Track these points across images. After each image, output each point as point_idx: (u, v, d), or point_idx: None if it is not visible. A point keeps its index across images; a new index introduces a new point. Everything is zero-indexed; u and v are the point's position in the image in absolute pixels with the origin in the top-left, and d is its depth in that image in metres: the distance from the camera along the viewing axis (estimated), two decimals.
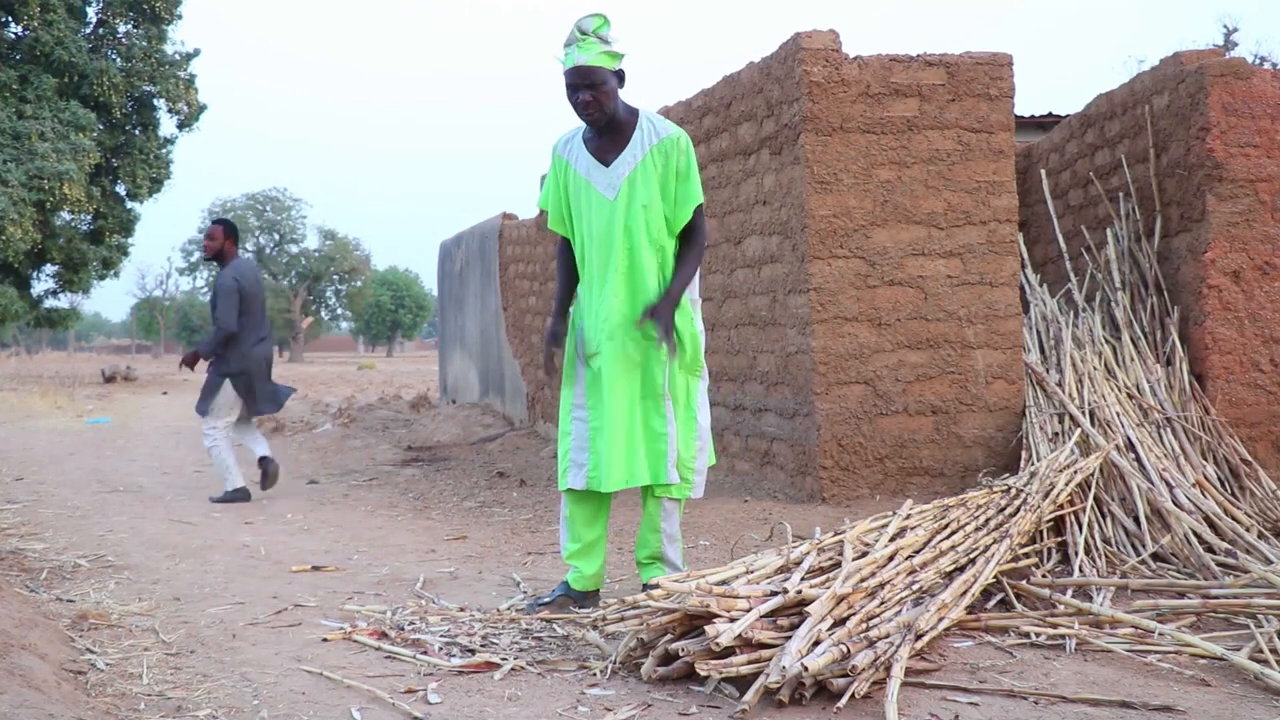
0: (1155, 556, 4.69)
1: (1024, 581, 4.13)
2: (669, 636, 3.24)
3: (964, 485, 5.99)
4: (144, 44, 25.51)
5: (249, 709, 3.03)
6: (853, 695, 2.95)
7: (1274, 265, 6.14)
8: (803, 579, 3.35)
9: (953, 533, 4.09)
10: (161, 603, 4.35)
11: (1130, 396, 5.92)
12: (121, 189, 26.55)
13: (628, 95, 4.18)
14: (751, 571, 3.44)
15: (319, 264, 58.30)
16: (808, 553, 3.58)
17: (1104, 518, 4.91)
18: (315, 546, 5.71)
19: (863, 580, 3.43)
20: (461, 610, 4.10)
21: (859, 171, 6.15)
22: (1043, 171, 7.97)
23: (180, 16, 26.32)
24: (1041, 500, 4.59)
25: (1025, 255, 6.92)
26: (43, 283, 27.09)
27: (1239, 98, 6.11)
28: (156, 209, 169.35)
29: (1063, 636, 3.60)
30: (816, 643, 3.06)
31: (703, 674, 3.08)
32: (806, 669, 2.93)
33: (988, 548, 4.05)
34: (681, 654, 3.15)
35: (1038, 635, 3.63)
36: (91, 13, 25.87)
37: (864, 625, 3.20)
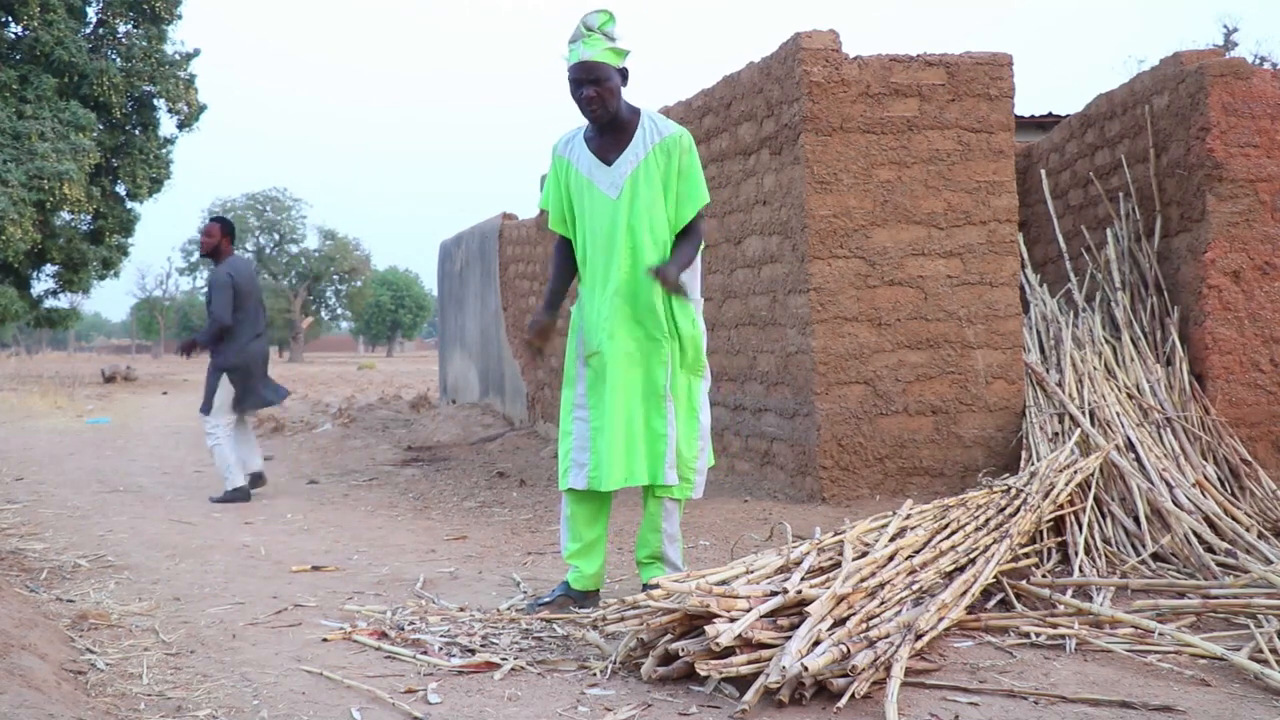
0: (1155, 556, 4.69)
1: (1024, 581, 4.13)
2: (669, 636, 3.24)
3: (964, 485, 5.99)
4: (144, 44, 25.51)
5: (249, 709, 3.03)
6: (853, 695, 2.95)
7: (1274, 265, 6.14)
8: (803, 579, 3.35)
9: (953, 533, 4.09)
10: (161, 603, 4.35)
11: (1130, 396, 5.92)
12: (121, 189, 26.55)
13: (628, 95, 4.18)
14: (751, 571, 3.44)
15: (319, 264, 58.30)
16: (808, 553, 3.58)
17: (1104, 518, 4.91)
18: (315, 546, 5.71)
19: (863, 580, 3.43)
20: (461, 610, 4.10)
21: (859, 171, 6.15)
22: (1043, 171, 7.97)
23: (180, 16, 26.33)
24: (1041, 500, 4.59)
25: (1025, 255, 6.92)
26: (43, 283, 27.12)
27: (1239, 98, 6.11)
28: (156, 209, 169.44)
29: (1063, 636, 3.60)
30: (816, 643, 3.06)
31: (703, 674, 3.08)
32: (806, 669, 2.93)
33: (988, 548, 4.05)
34: (681, 654, 3.15)
35: (1038, 635, 3.63)
36: (91, 13, 25.87)
37: (864, 625, 3.20)
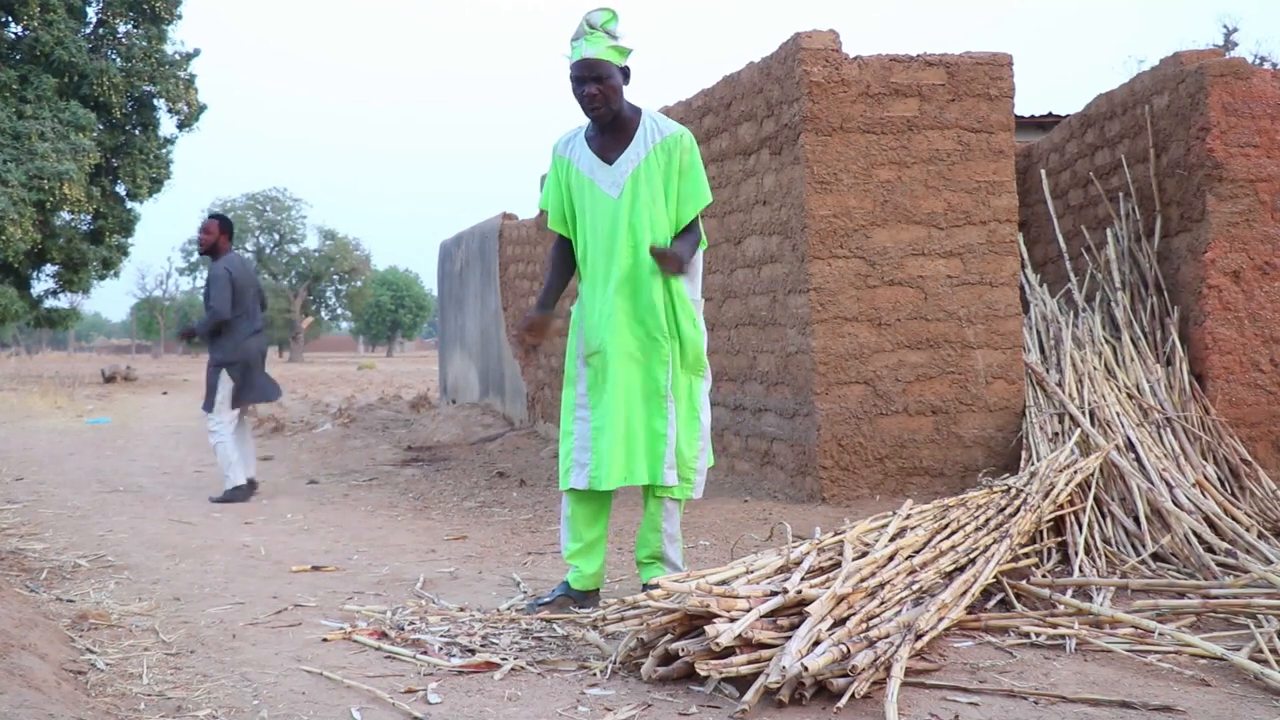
0: (1155, 556, 4.69)
1: (1024, 581, 4.13)
2: (669, 636, 3.24)
3: (964, 485, 5.99)
4: (144, 44, 25.51)
5: (249, 709, 3.03)
6: (853, 695, 2.95)
7: (1274, 265, 6.14)
8: (803, 579, 3.35)
9: (953, 533, 4.09)
10: (161, 603, 4.35)
11: (1130, 396, 5.92)
12: (121, 189, 26.56)
13: (629, 94, 4.18)
14: (751, 571, 3.44)
15: (319, 264, 58.31)
16: (808, 553, 3.58)
17: (1104, 518, 4.91)
18: (315, 546, 5.71)
19: (863, 580, 3.43)
20: (461, 610, 4.10)
21: (859, 171, 6.15)
22: (1043, 171, 7.97)
23: (180, 16, 26.33)
24: (1041, 500, 4.59)
25: (1025, 255, 6.92)
26: (43, 283, 27.12)
27: (1239, 98, 6.11)
28: (156, 209, 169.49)
29: (1063, 636, 3.60)
30: (816, 643, 3.06)
31: (703, 674, 3.08)
32: (806, 669, 2.93)
33: (988, 548, 4.05)
34: (681, 654, 3.15)
35: (1038, 635, 3.63)
36: (91, 13, 25.87)
37: (864, 625, 3.20)
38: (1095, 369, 6.05)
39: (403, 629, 3.82)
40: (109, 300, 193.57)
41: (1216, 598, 3.91)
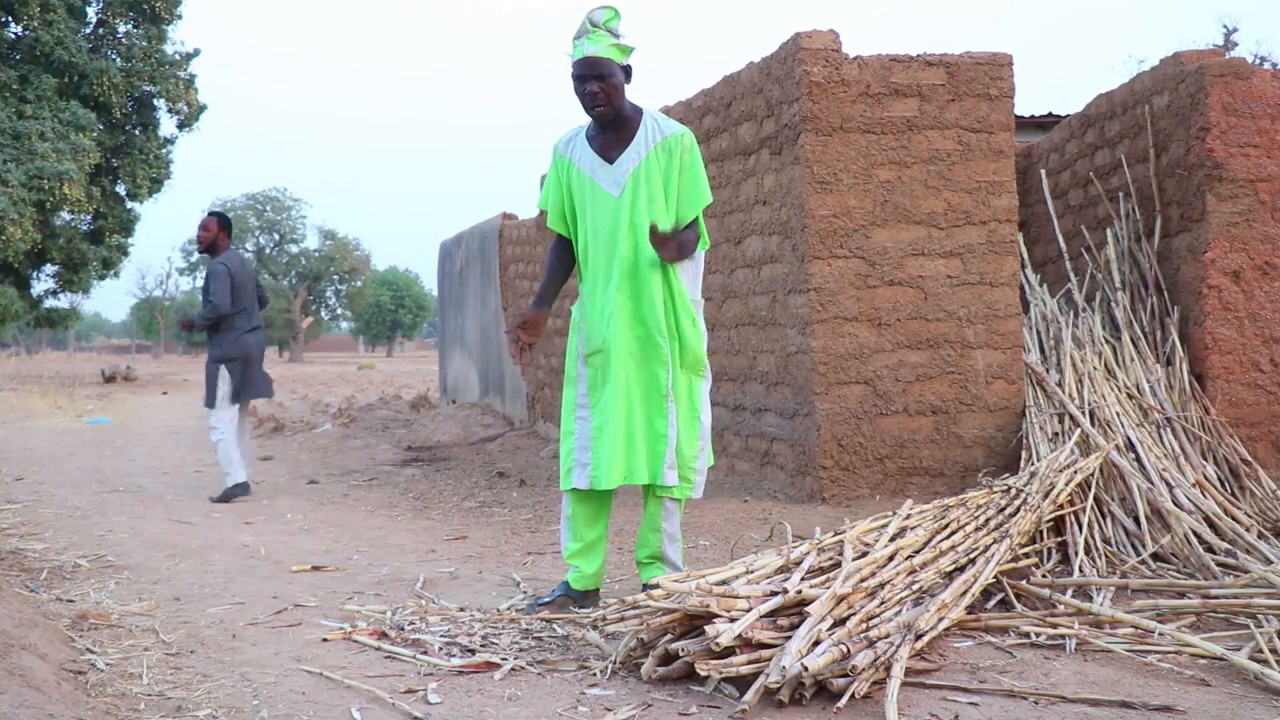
0: (1155, 556, 4.68)
1: (1024, 581, 4.13)
2: (669, 636, 3.24)
3: (964, 485, 5.99)
4: (144, 44, 25.51)
5: (249, 709, 3.03)
6: (853, 695, 2.95)
7: (1274, 265, 6.14)
8: (803, 579, 3.35)
9: (953, 533, 4.08)
10: (161, 603, 4.35)
11: (1130, 396, 5.92)
12: (121, 189, 26.56)
13: (630, 94, 4.18)
14: (751, 571, 3.44)
15: (319, 264, 58.30)
16: (808, 553, 3.58)
17: (1104, 518, 4.91)
18: (315, 546, 5.71)
19: (863, 580, 3.43)
20: (461, 610, 4.10)
21: (859, 171, 6.15)
22: (1043, 171, 7.97)
23: (180, 16, 26.32)
24: (1041, 500, 4.59)
25: (1025, 255, 6.92)
26: (43, 283, 27.12)
27: (1239, 98, 6.11)
28: (156, 209, 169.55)
29: (1063, 636, 3.60)
30: (816, 643, 3.06)
31: (703, 674, 3.08)
32: (806, 669, 2.93)
33: (988, 548, 4.05)
34: (681, 654, 3.15)
35: (1038, 635, 3.63)
36: (91, 13, 25.86)
37: (864, 625, 3.20)
38: (1095, 369, 6.05)
39: (403, 629, 3.82)
40: (109, 300, 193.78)
41: (1216, 598, 3.91)
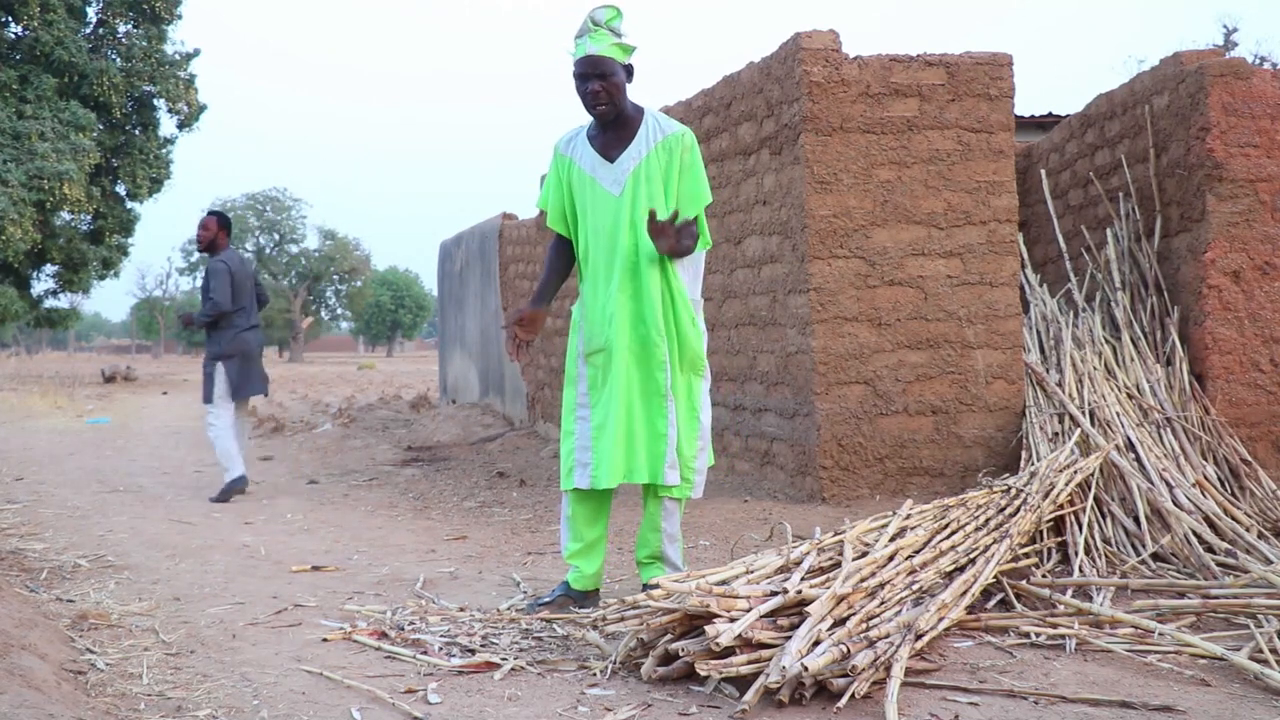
0: (1155, 556, 4.68)
1: (1024, 581, 4.13)
2: (669, 636, 3.24)
3: (964, 485, 5.99)
4: (144, 44, 25.51)
5: (249, 709, 3.03)
6: (853, 695, 2.95)
7: (1274, 265, 6.14)
8: (803, 579, 3.35)
9: (953, 533, 4.08)
10: (161, 603, 4.35)
11: (1130, 396, 5.92)
12: (121, 189, 26.56)
13: (631, 94, 4.18)
14: (751, 571, 3.44)
15: (319, 264, 58.30)
16: (808, 553, 3.58)
17: (1104, 518, 4.91)
18: (315, 546, 5.71)
19: (863, 580, 3.43)
20: (461, 610, 4.10)
21: (859, 171, 6.15)
22: (1043, 171, 7.97)
23: (180, 16, 26.33)
24: (1041, 500, 4.59)
25: (1025, 255, 6.92)
26: (43, 283, 27.13)
27: (1239, 98, 6.11)
28: (156, 209, 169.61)
29: (1063, 636, 3.60)
30: (816, 643, 3.06)
31: (703, 674, 3.08)
32: (806, 669, 2.93)
33: (988, 548, 4.05)
34: (681, 654, 3.15)
35: (1038, 635, 3.63)
36: (91, 13, 25.86)
37: (864, 625, 3.20)
38: (1095, 369, 6.05)
39: (403, 629, 3.82)
40: (109, 300, 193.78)
41: (1216, 598, 3.91)
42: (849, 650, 3.04)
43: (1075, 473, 4.88)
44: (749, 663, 3.04)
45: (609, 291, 4.11)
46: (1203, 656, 3.41)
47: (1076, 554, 4.54)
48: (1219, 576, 4.32)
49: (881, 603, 3.36)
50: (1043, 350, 6.53)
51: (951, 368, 6.19)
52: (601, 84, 4.02)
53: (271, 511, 7.01)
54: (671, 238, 3.96)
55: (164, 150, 26.83)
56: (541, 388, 11.30)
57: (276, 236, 58.03)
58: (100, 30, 26.05)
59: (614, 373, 4.08)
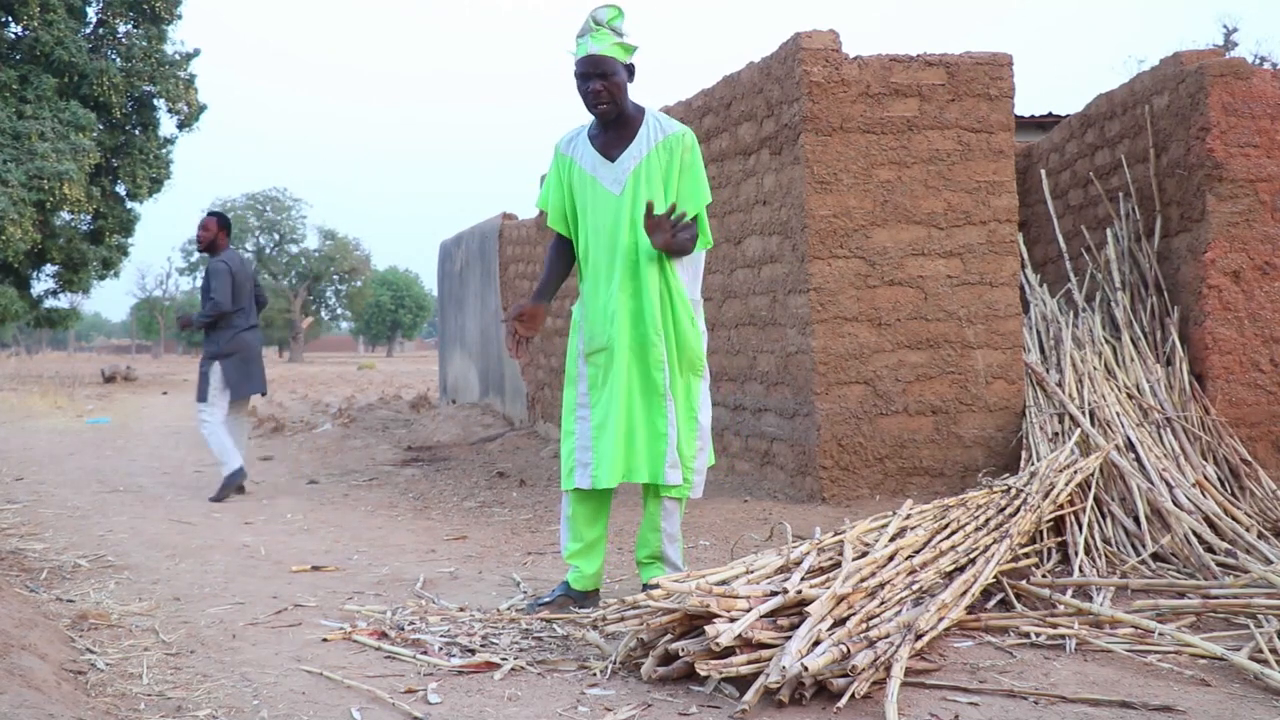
0: (1155, 556, 4.68)
1: (1024, 581, 4.13)
2: (669, 636, 3.24)
3: (964, 485, 5.99)
4: (144, 44, 25.51)
5: (249, 709, 3.03)
6: (853, 695, 2.95)
7: (1274, 265, 6.14)
8: (803, 579, 3.35)
9: (953, 533, 4.08)
10: (161, 603, 4.35)
11: (1130, 396, 5.92)
12: (121, 189, 26.56)
13: (632, 93, 4.18)
14: (751, 571, 3.44)
15: (319, 264, 58.30)
16: (808, 553, 3.58)
17: (1104, 518, 4.91)
18: (315, 546, 5.71)
19: (863, 580, 3.43)
20: (461, 610, 4.10)
21: (859, 171, 6.15)
22: (1043, 171, 7.97)
23: (180, 16, 26.32)
24: (1041, 500, 4.59)
25: (1025, 255, 6.92)
26: (43, 283, 27.13)
27: (1239, 98, 6.11)
28: (156, 209, 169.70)
29: (1063, 636, 3.60)
30: (816, 643, 3.06)
31: (703, 674, 3.08)
32: (806, 669, 2.93)
33: (988, 548, 4.05)
34: (681, 654, 3.15)
35: (1038, 635, 3.63)
36: (91, 13, 25.86)
37: (864, 625, 3.20)
38: (1095, 369, 6.05)
39: (403, 629, 3.82)
40: (109, 300, 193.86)
41: (1216, 598, 3.91)
42: (849, 650, 3.04)
43: (1075, 473, 4.88)
44: (749, 663, 3.04)
45: (610, 290, 4.11)
46: (1203, 656, 3.41)
47: (1076, 554, 4.54)
48: (1219, 576, 4.32)
49: (881, 603, 3.36)
50: (1043, 350, 6.53)
51: (951, 368, 6.19)
52: (603, 83, 4.02)
53: (271, 511, 7.01)
54: (666, 232, 3.96)
55: (164, 150, 26.83)
56: (541, 388, 11.30)
57: (276, 236, 58.03)
58: (100, 30, 26.05)
59: (615, 371, 4.08)
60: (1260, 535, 4.99)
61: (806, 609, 3.17)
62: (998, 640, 3.62)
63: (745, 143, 6.95)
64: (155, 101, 26.29)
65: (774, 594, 3.23)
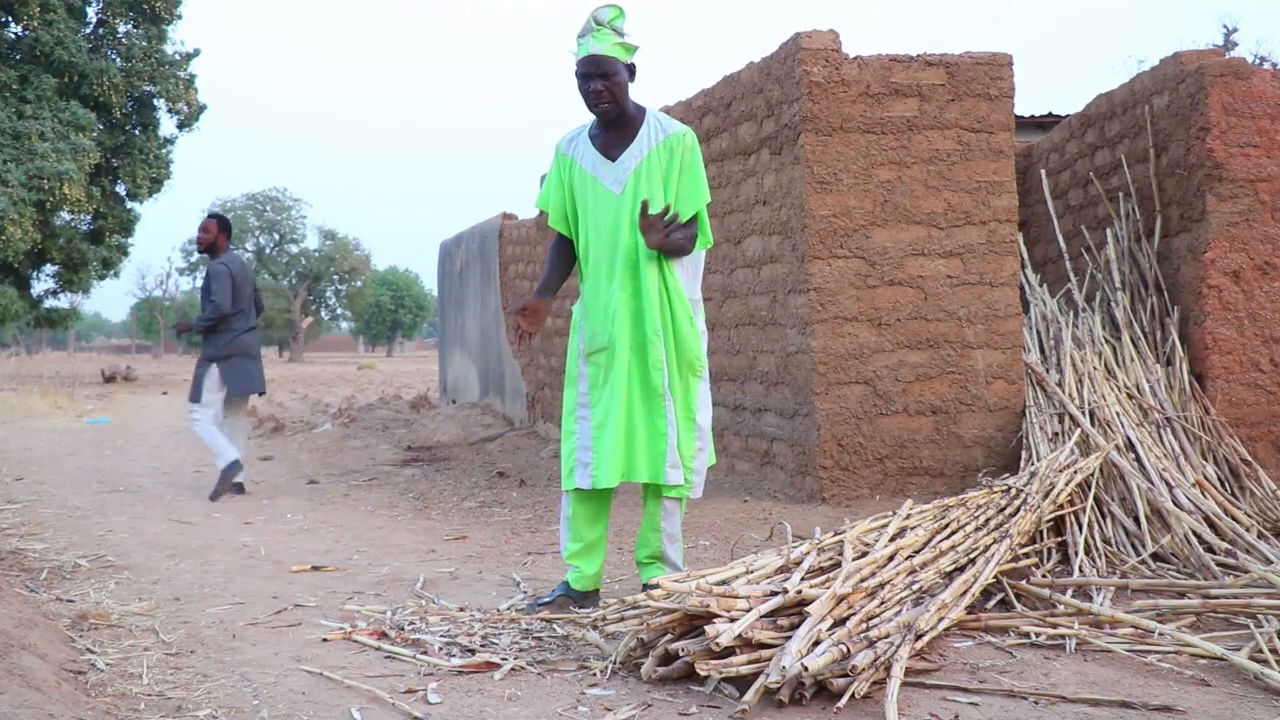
0: (1155, 556, 4.68)
1: (1024, 581, 4.13)
2: (669, 636, 3.24)
3: (964, 485, 5.99)
4: (144, 44, 25.51)
5: (249, 709, 3.03)
6: (853, 695, 2.95)
7: (1274, 265, 6.14)
8: (803, 579, 3.35)
9: (953, 533, 4.08)
10: (161, 603, 4.35)
11: (1130, 396, 5.92)
12: (121, 189, 26.56)
13: (633, 93, 4.18)
14: (751, 571, 3.44)
15: (319, 264, 58.30)
16: (808, 553, 3.58)
17: (1104, 518, 4.91)
18: (315, 546, 5.71)
19: (863, 580, 3.43)
20: (461, 610, 4.10)
21: (859, 171, 6.15)
22: (1043, 171, 7.97)
23: (180, 16, 26.33)
24: (1041, 500, 4.59)
25: (1025, 255, 6.92)
26: (43, 283, 27.14)
27: (1239, 98, 6.11)
28: (156, 209, 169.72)
29: (1063, 636, 3.60)
30: (816, 643, 3.06)
31: (703, 674, 3.08)
32: (806, 669, 2.93)
33: (988, 548, 4.05)
34: (681, 654, 3.15)
35: (1038, 635, 3.63)
36: (91, 13, 25.87)
37: (864, 625, 3.20)
38: (1095, 369, 6.05)
39: (403, 629, 3.82)
40: (109, 300, 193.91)
41: (1216, 598, 3.91)
42: (849, 650, 3.04)
43: (1075, 473, 4.88)
44: (749, 663, 3.04)
45: (611, 290, 4.11)
46: (1203, 656, 3.41)
47: (1076, 554, 4.54)
48: (1219, 576, 4.32)
49: (881, 603, 3.36)
50: (1043, 350, 6.53)
51: (951, 368, 6.19)
52: (604, 83, 4.03)
53: (271, 511, 7.01)
54: (660, 232, 3.96)
55: (164, 150, 26.84)
56: (541, 388, 11.30)
57: (276, 236, 58.04)
58: (100, 30, 26.06)
59: (615, 371, 4.08)
60: (1260, 535, 4.99)
61: (806, 609, 3.17)
62: (998, 640, 3.62)
63: (745, 143, 6.95)
64: (155, 101, 26.30)
65: (774, 594, 3.23)
